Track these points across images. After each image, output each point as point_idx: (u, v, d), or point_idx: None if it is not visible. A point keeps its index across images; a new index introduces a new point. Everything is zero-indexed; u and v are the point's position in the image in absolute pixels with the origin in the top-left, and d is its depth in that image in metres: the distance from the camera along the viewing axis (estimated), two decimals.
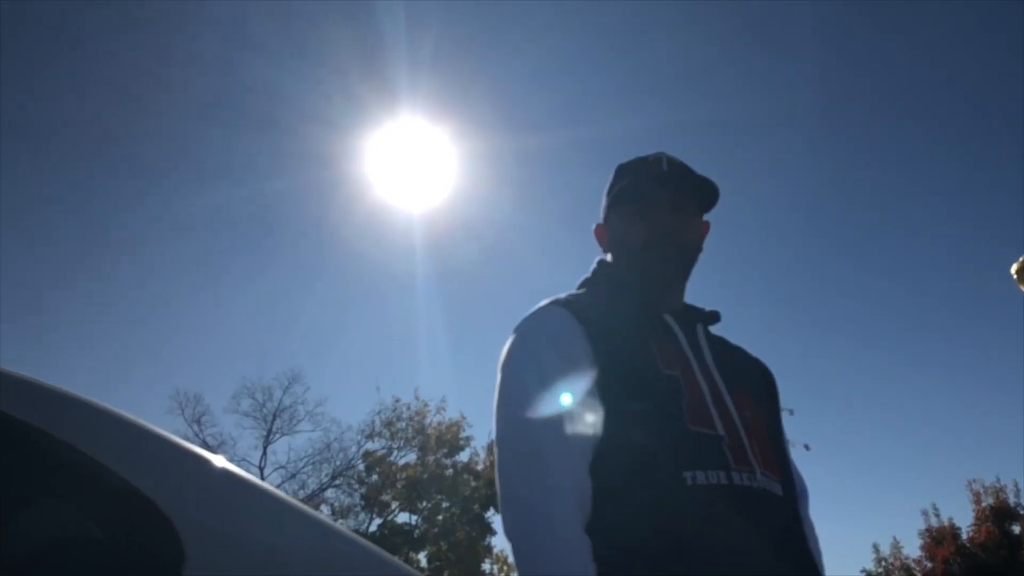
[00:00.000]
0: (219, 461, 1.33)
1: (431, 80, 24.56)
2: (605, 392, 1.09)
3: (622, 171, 1.33)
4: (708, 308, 1.31)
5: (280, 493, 1.41)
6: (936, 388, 31.00)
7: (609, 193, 1.33)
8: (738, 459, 1.09)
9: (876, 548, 18.99)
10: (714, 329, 1.31)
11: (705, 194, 1.30)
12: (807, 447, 11.18)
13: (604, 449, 1.06)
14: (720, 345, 1.29)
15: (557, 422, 1.06)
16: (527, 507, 1.01)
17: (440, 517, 18.24)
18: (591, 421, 1.07)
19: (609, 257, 1.34)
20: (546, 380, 1.09)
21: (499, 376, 1.15)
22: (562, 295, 1.24)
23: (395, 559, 1.48)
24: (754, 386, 1.27)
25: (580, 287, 1.33)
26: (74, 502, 1.11)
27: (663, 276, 1.26)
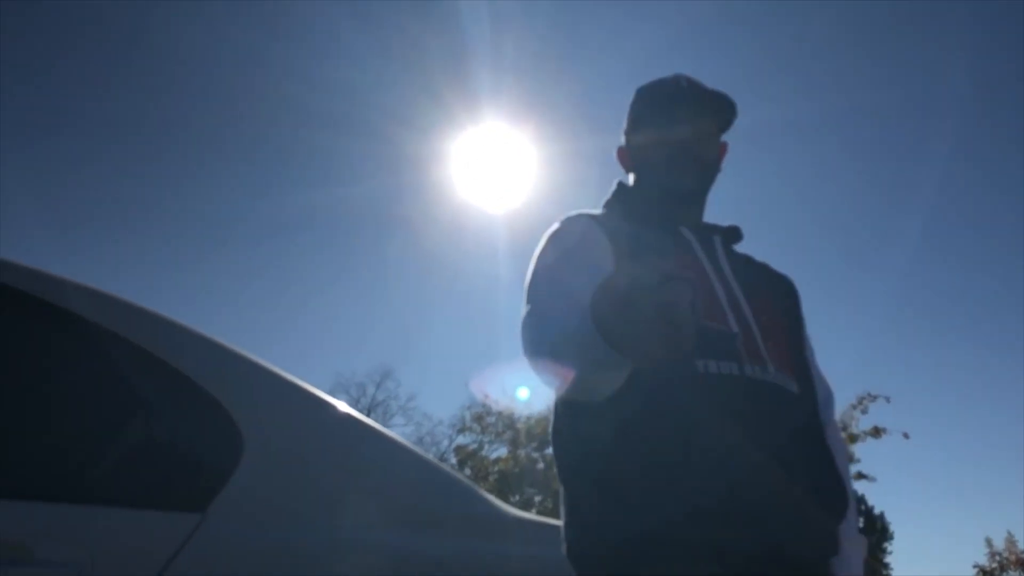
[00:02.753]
0: (306, 385, 1.40)
1: (514, 81, 24.73)
2: None
3: (642, 93, 1.37)
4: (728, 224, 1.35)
5: (368, 420, 1.45)
6: None
7: (630, 115, 1.38)
8: (751, 355, 1.12)
9: (989, 542, 17.95)
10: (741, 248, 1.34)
11: (723, 111, 1.34)
12: (906, 435, 10.64)
13: None
14: (740, 257, 1.33)
15: (581, 308, 1.11)
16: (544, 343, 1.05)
17: (533, 511, 18.25)
18: None
19: (631, 179, 1.39)
20: (574, 269, 1.14)
21: (530, 269, 1.22)
22: (583, 210, 1.30)
23: (465, 480, 1.50)
24: (774, 294, 1.30)
25: (603, 208, 1.37)
26: (149, 396, 1.22)
27: (681, 190, 1.30)
